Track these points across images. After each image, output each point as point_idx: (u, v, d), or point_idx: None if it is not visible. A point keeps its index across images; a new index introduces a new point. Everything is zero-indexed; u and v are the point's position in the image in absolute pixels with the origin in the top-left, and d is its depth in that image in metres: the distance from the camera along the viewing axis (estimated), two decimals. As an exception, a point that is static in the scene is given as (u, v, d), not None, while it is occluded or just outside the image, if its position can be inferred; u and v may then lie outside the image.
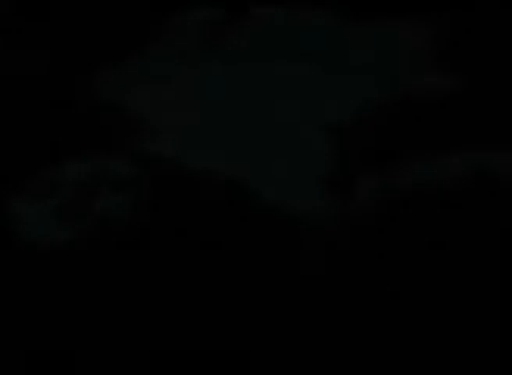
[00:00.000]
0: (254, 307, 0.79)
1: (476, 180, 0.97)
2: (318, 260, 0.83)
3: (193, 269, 0.81)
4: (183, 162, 0.92)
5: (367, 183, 0.96)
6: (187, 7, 1.14)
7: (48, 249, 0.79)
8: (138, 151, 0.93)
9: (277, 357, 0.76)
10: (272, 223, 0.87)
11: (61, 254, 0.79)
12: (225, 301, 0.79)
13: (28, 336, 0.73)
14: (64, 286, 0.77)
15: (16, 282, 0.78)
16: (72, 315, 0.75)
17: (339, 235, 0.87)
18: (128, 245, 0.83)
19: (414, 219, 0.92)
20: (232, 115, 1.05)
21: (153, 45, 1.12)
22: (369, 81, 1.17)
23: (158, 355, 0.73)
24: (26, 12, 1.06)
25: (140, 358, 0.73)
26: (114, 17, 1.07)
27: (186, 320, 0.77)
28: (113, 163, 0.91)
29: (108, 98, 1.03)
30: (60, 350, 0.72)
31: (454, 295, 0.82)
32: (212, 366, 0.75)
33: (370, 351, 0.77)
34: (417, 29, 1.33)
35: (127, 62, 1.13)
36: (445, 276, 0.83)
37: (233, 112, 1.05)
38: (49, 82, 1.06)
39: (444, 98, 1.15)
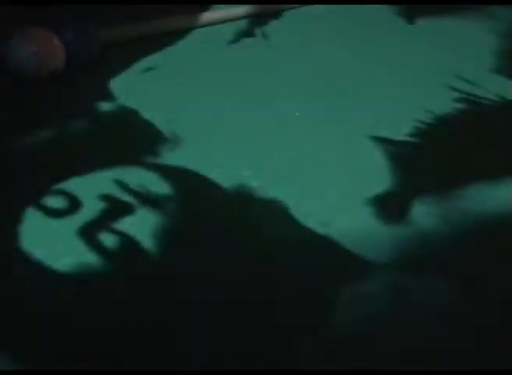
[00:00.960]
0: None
1: None
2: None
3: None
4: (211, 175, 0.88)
5: (425, 204, 0.89)
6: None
7: (71, 270, 0.75)
8: (161, 162, 0.90)
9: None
10: (318, 241, 0.81)
11: (86, 274, 0.75)
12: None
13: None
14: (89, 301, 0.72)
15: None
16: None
17: (387, 258, 0.79)
18: (157, 258, 0.77)
19: (475, 237, 0.84)
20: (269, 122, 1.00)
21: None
22: (429, 89, 1.11)
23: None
24: None
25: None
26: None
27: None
28: (138, 175, 0.87)
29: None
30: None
31: None
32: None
33: None
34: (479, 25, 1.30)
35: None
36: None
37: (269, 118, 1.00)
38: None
39: None
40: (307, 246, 0.82)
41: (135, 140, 0.94)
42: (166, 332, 0.70)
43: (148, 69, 1.09)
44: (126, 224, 0.81)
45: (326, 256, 0.81)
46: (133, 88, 1.03)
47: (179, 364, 0.67)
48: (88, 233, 0.79)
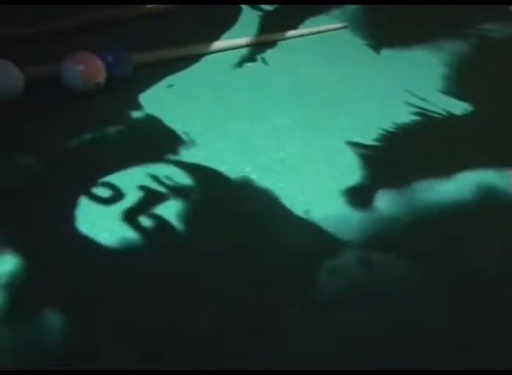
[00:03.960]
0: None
1: (479, 191, 0.88)
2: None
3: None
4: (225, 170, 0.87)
5: (388, 195, 0.86)
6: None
7: (117, 247, 0.72)
8: (180, 159, 0.88)
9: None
10: (301, 224, 0.79)
11: (129, 250, 0.72)
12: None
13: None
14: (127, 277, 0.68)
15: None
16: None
17: (359, 237, 0.77)
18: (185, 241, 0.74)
19: (426, 222, 0.83)
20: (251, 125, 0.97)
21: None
22: (392, 104, 1.10)
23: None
24: None
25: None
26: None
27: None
28: (165, 169, 0.85)
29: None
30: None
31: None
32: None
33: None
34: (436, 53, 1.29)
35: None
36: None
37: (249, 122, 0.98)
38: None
39: (457, 120, 1.07)
40: (293, 227, 0.80)
41: (160, 142, 0.92)
42: (190, 298, 0.68)
43: (170, 86, 1.06)
44: (159, 209, 0.79)
45: (308, 236, 0.79)
46: (158, 101, 1.01)
47: (195, 324, 0.65)
48: (129, 216, 0.77)
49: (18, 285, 0.67)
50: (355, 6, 1.48)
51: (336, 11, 1.44)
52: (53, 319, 0.64)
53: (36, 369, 0.59)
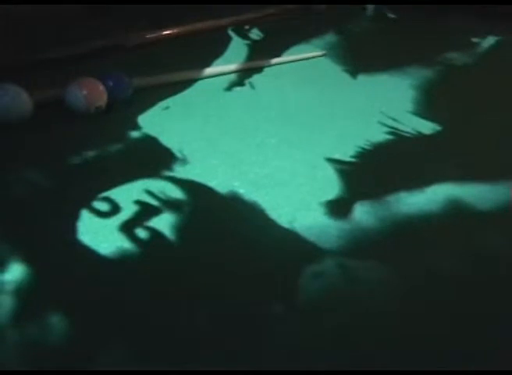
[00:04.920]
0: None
1: (446, 203, 0.89)
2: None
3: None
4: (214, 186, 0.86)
5: (364, 206, 0.86)
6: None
7: (115, 256, 0.72)
8: (175, 175, 0.87)
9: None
10: (286, 233, 0.78)
11: (126, 259, 0.72)
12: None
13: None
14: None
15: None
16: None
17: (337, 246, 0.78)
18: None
19: (399, 232, 0.83)
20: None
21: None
22: (367, 125, 1.10)
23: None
24: None
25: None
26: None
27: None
28: (160, 184, 0.84)
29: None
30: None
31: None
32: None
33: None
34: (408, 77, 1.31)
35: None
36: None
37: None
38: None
39: (426, 139, 1.07)
40: (279, 236, 0.80)
41: (156, 159, 0.92)
42: (183, 301, 0.68)
43: (166, 108, 1.06)
44: (154, 221, 0.79)
45: (292, 244, 0.79)
46: (155, 122, 1.01)
47: (190, 325, 0.64)
48: (126, 228, 0.77)
49: (24, 291, 0.67)
50: (334, 36, 1.50)
51: (316, 40, 1.46)
52: (56, 321, 0.64)
53: (40, 369, 0.59)
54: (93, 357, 0.60)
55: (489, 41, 1.55)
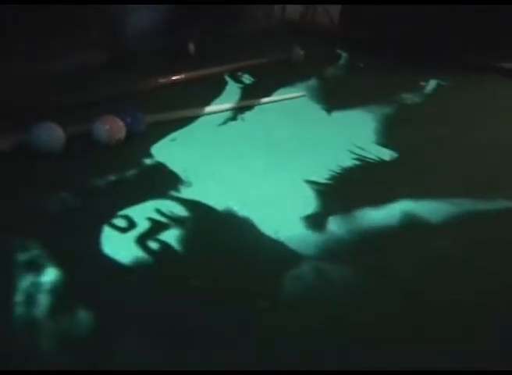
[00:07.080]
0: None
1: (402, 217, 0.89)
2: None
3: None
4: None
5: (336, 220, 0.87)
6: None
7: (132, 263, 0.72)
8: (181, 195, 0.88)
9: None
10: (272, 242, 0.79)
11: (140, 266, 0.72)
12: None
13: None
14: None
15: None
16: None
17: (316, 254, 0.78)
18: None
19: (365, 241, 0.83)
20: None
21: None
22: (339, 152, 1.11)
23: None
24: None
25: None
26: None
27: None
28: (168, 204, 0.85)
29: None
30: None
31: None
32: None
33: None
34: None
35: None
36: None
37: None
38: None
39: (386, 164, 1.08)
40: (266, 244, 0.81)
41: (165, 182, 0.93)
42: (187, 301, 0.68)
43: (173, 140, 1.07)
44: (163, 235, 0.79)
45: (276, 251, 0.80)
46: (164, 151, 1.02)
47: (192, 323, 0.65)
48: (141, 241, 0.78)
49: (58, 290, 0.68)
50: (313, 81, 1.51)
51: (298, 84, 1.47)
52: (83, 315, 0.65)
53: (70, 355, 0.59)
54: (113, 345, 0.61)
55: (432, 84, 1.59)
